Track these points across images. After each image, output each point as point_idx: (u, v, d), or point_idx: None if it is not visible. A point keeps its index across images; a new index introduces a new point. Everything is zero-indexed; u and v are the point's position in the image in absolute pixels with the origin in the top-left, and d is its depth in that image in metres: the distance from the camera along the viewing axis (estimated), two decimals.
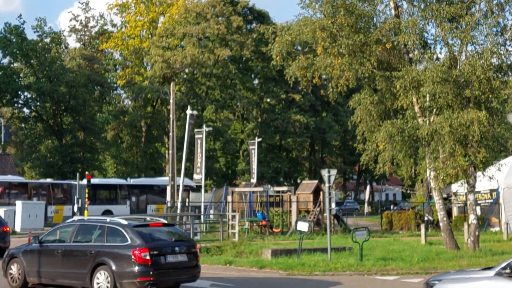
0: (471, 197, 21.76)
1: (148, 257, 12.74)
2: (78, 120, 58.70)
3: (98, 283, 13.08)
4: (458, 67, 20.76)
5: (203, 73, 60.90)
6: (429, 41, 22.07)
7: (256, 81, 66.36)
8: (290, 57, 22.71)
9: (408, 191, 56.15)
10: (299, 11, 61.11)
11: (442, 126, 19.92)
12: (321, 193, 32.30)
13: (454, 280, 9.84)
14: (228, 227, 28.81)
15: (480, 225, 25.20)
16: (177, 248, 13.37)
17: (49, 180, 43.52)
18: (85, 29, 66.25)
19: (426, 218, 34.15)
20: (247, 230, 30.70)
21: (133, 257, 12.74)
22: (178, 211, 31.13)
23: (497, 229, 31.83)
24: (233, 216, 29.06)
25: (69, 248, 13.90)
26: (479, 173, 22.13)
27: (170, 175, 33.52)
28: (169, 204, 32.50)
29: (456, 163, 20.17)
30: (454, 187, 32.02)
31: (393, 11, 22.05)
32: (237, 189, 36.54)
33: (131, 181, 45.23)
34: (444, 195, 26.96)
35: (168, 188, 33.25)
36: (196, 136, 34.81)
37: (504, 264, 9.29)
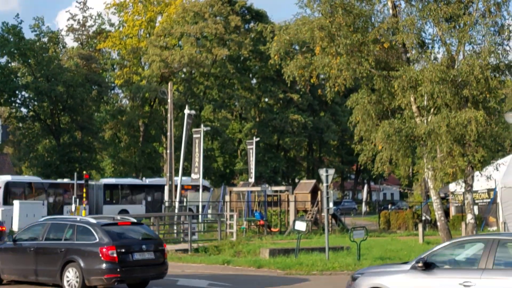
0: (468, 196, 21.79)
1: (115, 255, 13.13)
2: (76, 120, 58.64)
3: (68, 280, 13.49)
4: (455, 66, 20.78)
5: (201, 73, 60.89)
6: (426, 41, 22.12)
7: (254, 81, 66.37)
8: (288, 57, 22.73)
9: (406, 191, 56.24)
10: (297, 10, 60.99)
11: (440, 126, 19.94)
12: (319, 192, 32.31)
13: (374, 273, 10.35)
14: (226, 227, 28.81)
15: (477, 224, 25.21)
16: (144, 246, 13.79)
17: (65, 180, 43.88)
18: (83, 29, 66.23)
19: (423, 218, 34.18)
20: (245, 230, 30.70)
21: (100, 254, 13.16)
22: (176, 210, 31.15)
23: (494, 228, 31.85)
24: (231, 216, 29.06)
25: (40, 246, 14.27)
26: (476, 173, 22.15)
27: (168, 174, 33.53)
28: (167, 204, 32.52)
29: (455, 162, 20.19)
30: (452, 187, 32.06)
31: (391, 11, 22.06)
32: (235, 189, 36.54)
33: (147, 181, 45.74)
34: (442, 195, 27.00)
35: (166, 188, 33.25)
36: (194, 135, 34.80)
37: (418, 258, 9.78)
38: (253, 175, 40.61)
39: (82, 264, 13.29)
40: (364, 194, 71.01)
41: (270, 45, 22.59)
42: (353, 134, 23.82)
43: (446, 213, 29.48)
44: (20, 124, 61.11)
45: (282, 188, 37.16)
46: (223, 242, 25.36)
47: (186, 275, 17.15)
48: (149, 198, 43.97)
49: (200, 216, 33.08)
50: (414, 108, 21.62)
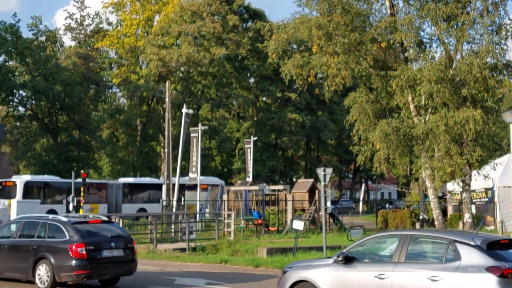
0: (466, 195, 21.81)
1: (84, 252, 13.57)
2: (74, 119, 58.55)
3: (39, 276, 13.93)
4: (453, 66, 20.81)
5: (199, 72, 60.85)
6: (424, 40, 22.14)
7: (252, 80, 66.36)
8: (286, 56, 22.73)
9: (404, 190, 56.29)
10: (295, 9, 61.07)
11: (438, 125, 19.96)
12: (317, 191, 32.33)
13: (301, 267, 10.99)
14: (224, 226, 28.80)
15: (475, 223, 25.25)
16: (113, 244, 14.19)
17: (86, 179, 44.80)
18: (81, 28, 66.14)
19: (421, 217, 34.20)
20: (243, 229, 30.69)
21: (70, 252, 13.58)
22: (174, 209, 31.12)
23: (492, 227, 31.89)
24: (229, 215, 29.05)
25: (14, 243, 14.75)
26: (474, 172, 22.19)
27: (165, 173, 33.50)
28: (164, 203, 32.49)
29: (453, 161, 20.22)
30: (450, 186, 32.10)
31: (388, 10, 22.10)
32: (232, 188, 36.52)
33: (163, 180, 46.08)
34: (440, 194, 27.02)
35: (164, 187, 33.22)
36: (192, 134, 34.77)
37: (339, 253, 10.48)
38: (251, 174, 40.61)
39: (52, 261, 13.72)
40: (361, 193, 71.07)
41: (268, 44, 22.55)
42: (350, 133, 23.84)
43: (444, 212, 29.54)
44: (18, 123, 61.00)
45: (280, 187, 37.16)
46: (221, 241, 25.35)
47: (184, 274, 17.13)
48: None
49: (197, 215, 33.08)
50: (411, 107, 21.64)
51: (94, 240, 13.97)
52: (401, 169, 23.88)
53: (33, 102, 58.19)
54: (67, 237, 13.81)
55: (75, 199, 35.35)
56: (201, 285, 15.27)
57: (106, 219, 15.65)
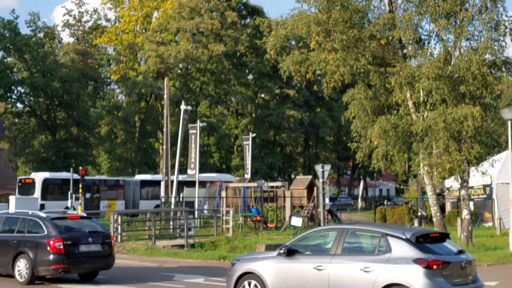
0: (464, 192, 21.83)
1: (61, 247, 14.01)
2: (72, 115, 58.52)
3: (18, 270, 14.36)
4: (452, 63, 20.79)
5: (197, 68, 60.80)
6: (423, 37, 22.11)
7: (250, 77, 66.32)
8: (284, 52, 22.70)
9: (402, 187, 56.35)
10: (293, 5, 60.93)
11: (436, 122, 19.95)
12: (315, 188, 32.36)
13: (248, 259, 11.58)
14: (222, 223, 28.81)
15: (473, 220, 25.28)
16: (90, 239, 14.61)
17: (103, 176, 46.72)
18: (79, 24, 66.01)
19: (419, 213, 34.25)
20: (241, 225, 30.72)
21: (48, 246, 14.01)
22: (172, 206, 31.12)
23: (490, 224, 31.96)
24: (227, 212, 29.06)
25: None
26: (472, 169, 22.19)
27: (164, 170, 33.49)
28: (163, 200, 32.49)
29: (452, 158, 20.21)
30: (448, 183, 32.10)
31: (387, 7, 22.05)
32: (231, 185, 36.53)
33: (180, 177, 46.23)
34: (438, 191, 27.04)
35: (162, 184, 33.21)
36: (190, 131, 34.75)
37: (282, 246, 11.06)
38: (249, 170, 40.61)
39: (31, 255, 14.14)
40: (360, 190, 71.13)
41: (266, 40, 22.52)
42: (349, 130, 23.83)
43: (442, 209, 29.55)
44: (16, 120, 60.96)
45: (278, 184, 37.17)
46: (219, 237, 25.37)
47: (182, 271, 17.15)
48: (181, 194, 44.81)
49: (196, 211, 33.10)
50: (410, 104, 21.62)
51: (72, 235, 14.39)
52: (399, 165, 23.88)
53: (31, 98, 58.13)
54: (46, 232, 14.24)
55: (73, 195, 35.35)
56: (199, 281, 15.29)
57: (84, 215, 16.10)
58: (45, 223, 14.41)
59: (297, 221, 20.42)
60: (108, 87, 68.58)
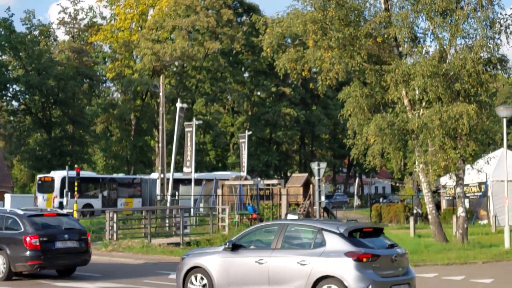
0: (459, 190, 21.87)
1: (38, 243, 14.29)
2: (67, 113, 58.40)
3: None
4: (447, 60, 20.83)
5: (193, 66, 60.72)
6: (418, 35, 22.12)
7: (246, 74, 66.26)
8: (280, 50, 22.69)
9: (397, 184, 56.42)
10: (289, 2, 60.88)
11: (432, 119, 19.98)
12: (311, 186, 32.39)
13: (196, 254, 12.12)
14: (218, 220, 28.79)
15: (468, 218, 25.35)
16: (67, 236, 14.91)
17: (121, 175, 47.43)
18: (74, 22, 65.87)
19: (415, 211, 34.31)
20: (237, 223, 30.70)
21: (24, 243, 14.29)
22: (168, 204, 31.09)
23: (485, 222, 32.05)
24: (223, 209, 29.05)
25: None
26: (467, 166, 22.24)
27: (159, 168, 33.48)
28: (159, 197, 32.46)
29: (447, 155, 20.26)
30: (443, 180, 32.18)
31: (383, 5, 22.06)
32: (227, 182, 36.53)
33: (195, 175, 46.32)
34: (433, 188, 27.09)
35: (158, 181, 33.19)
36: (186, 129, 34.71)
37: (228, 241, 11.63)
38: (245, 168, 40.62)
39: (8, 252, 14.43)
40: (355, 188, 71.18)
41: (262, 38, 22.50)
42: (345, 128, 23.85)
43: (438, 206, 29.63)
44: (11, 118, 60.79)
45: (274, 181, 37.20)
46: (215, 235, 25.36)
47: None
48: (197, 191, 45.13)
49: (192, 209, 33.08)
50: (406, 102, 21.66)
51: (48, 232, 14.67)
52: (394, 163, 23.90)
53: (27, 96, 58.00)
54: (22, 229, 14.52)
55: (69, 193, 35.27)
56: None
57: (62, 212, 16.41)
58: (22, 220, 14.68)
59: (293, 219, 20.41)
60: (104, 85, 68.47)
